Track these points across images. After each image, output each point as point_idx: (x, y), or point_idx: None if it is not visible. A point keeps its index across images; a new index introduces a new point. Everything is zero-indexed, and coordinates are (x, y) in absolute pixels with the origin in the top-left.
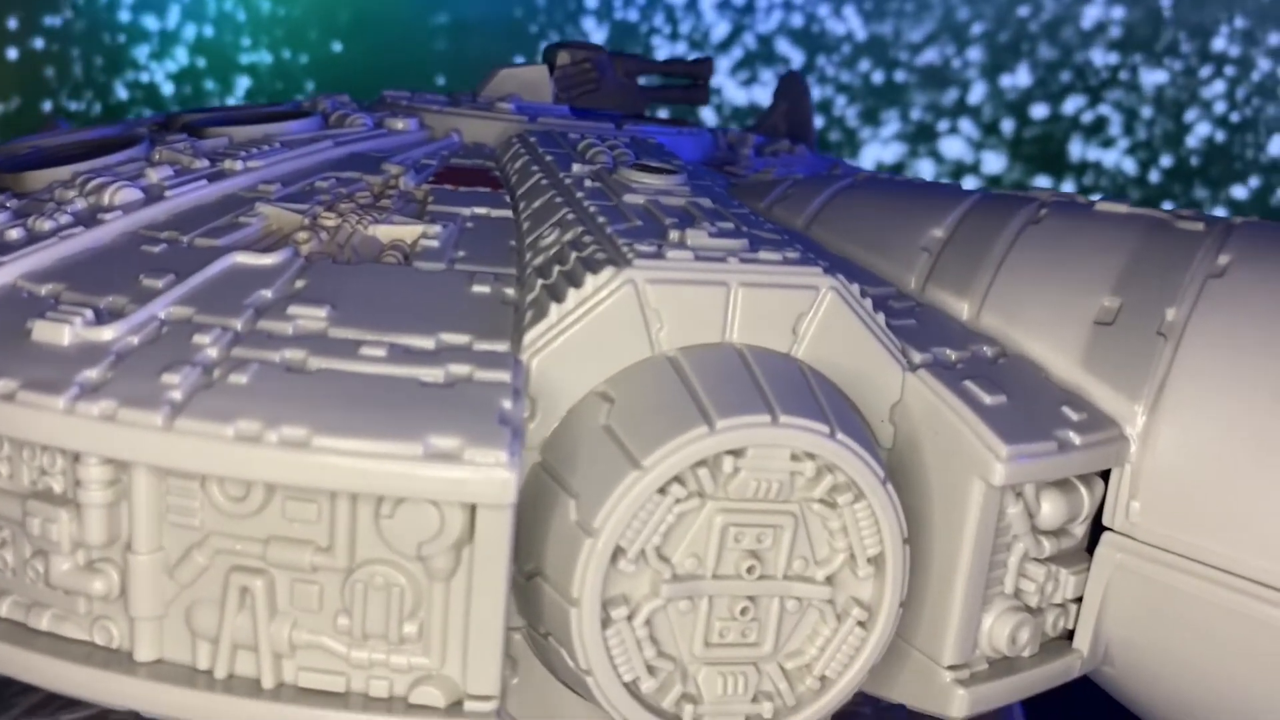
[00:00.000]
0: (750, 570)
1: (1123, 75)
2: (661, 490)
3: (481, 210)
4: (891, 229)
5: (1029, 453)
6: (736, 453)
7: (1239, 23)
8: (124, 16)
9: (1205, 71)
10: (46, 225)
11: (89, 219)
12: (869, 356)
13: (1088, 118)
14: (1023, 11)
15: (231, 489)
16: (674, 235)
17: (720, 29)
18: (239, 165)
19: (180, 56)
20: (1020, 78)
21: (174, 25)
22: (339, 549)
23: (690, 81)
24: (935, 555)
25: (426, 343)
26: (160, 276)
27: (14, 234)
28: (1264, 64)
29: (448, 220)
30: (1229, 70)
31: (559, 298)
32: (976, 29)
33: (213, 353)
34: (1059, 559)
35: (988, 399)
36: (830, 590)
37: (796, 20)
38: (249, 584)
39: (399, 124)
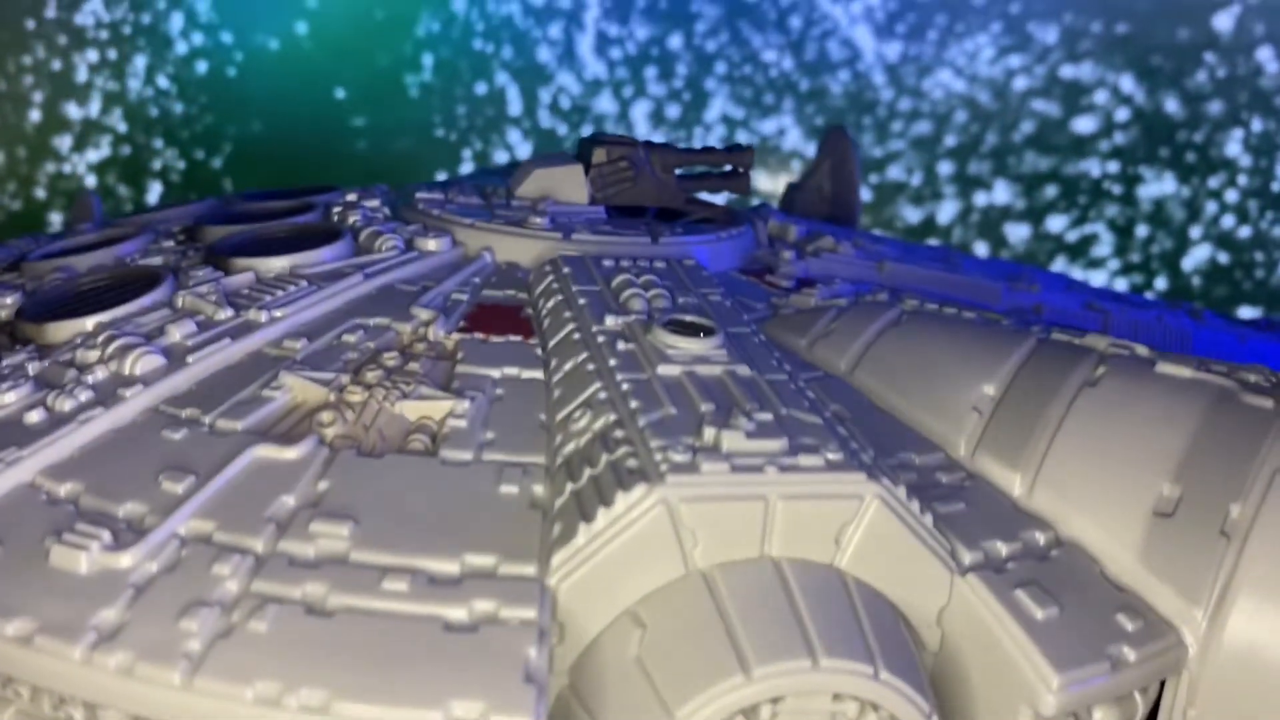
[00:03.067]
0: None
1: (1116, 188)
2: None
3: (512, 370)
4: (940, 381)
5: (1081, 678)
6: (775, 698)
7: (1257, 126)
8: (35, 115)
9: (1214, 182)
10: (67, 406)
11: (109, 394)
12: (916, 562)
13: (1073, 237)
14: (1005, 120)
15: None
16: (709, 435)
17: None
18: (264, 316)
19: (102, 148)
20: (998, 194)
21: (95, 113)
22: None
23: (730, 169)
24: None
25: (451, 566)
26: (180, 479)
27: (34, 417)
28: None
29: (476, 388)
30: (1241, 180)
31: (588, 516)
32: (949, 141)
33: (232, 586)
34: None
35: (1039, 613)
36: None
37: (741, 136)
38: None
39: (430, 244)
